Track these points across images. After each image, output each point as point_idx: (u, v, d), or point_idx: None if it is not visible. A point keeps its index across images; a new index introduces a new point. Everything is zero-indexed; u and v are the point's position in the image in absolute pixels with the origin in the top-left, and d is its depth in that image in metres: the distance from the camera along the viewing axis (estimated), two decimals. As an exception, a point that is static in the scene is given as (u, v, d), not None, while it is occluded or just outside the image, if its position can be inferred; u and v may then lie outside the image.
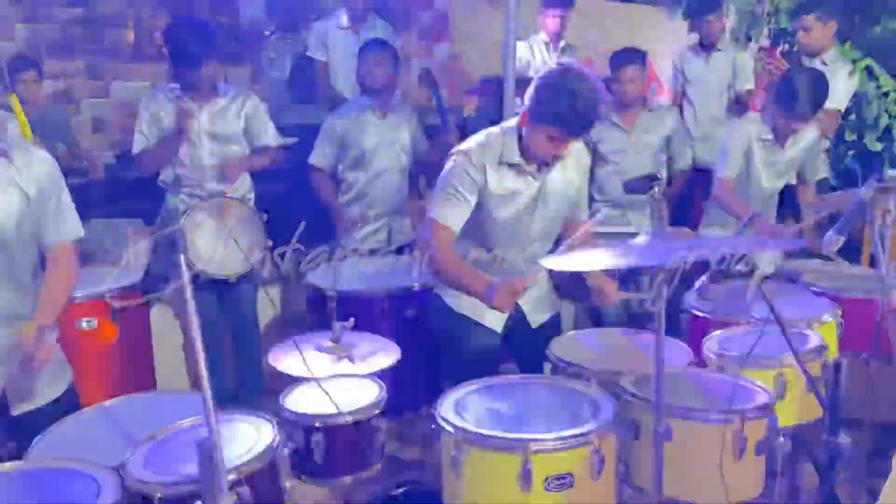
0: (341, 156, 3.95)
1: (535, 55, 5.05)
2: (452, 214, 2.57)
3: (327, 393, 2.10)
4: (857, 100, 4.51)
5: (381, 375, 2.41)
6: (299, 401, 2.25)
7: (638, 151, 4.10)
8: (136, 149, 3.66)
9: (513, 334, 2.78)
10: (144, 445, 1.93)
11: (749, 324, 2.72)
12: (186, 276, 1.47)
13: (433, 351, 3.10)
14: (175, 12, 5.28)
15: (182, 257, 1.54)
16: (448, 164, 2.62)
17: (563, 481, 1.94)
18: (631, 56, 4.05)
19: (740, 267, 2.89)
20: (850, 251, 3.72)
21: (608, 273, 2.72)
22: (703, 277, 2.74)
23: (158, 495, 1.75)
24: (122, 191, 4.57)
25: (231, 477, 1.72)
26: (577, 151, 2.68)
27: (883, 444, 3.07)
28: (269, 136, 3.79)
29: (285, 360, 2.47)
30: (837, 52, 4.31)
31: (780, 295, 2.44)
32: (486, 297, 2.47)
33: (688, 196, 4.38)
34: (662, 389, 1.93)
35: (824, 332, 2.69)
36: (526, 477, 1.90)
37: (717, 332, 2.69)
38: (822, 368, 2.46)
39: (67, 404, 2.33)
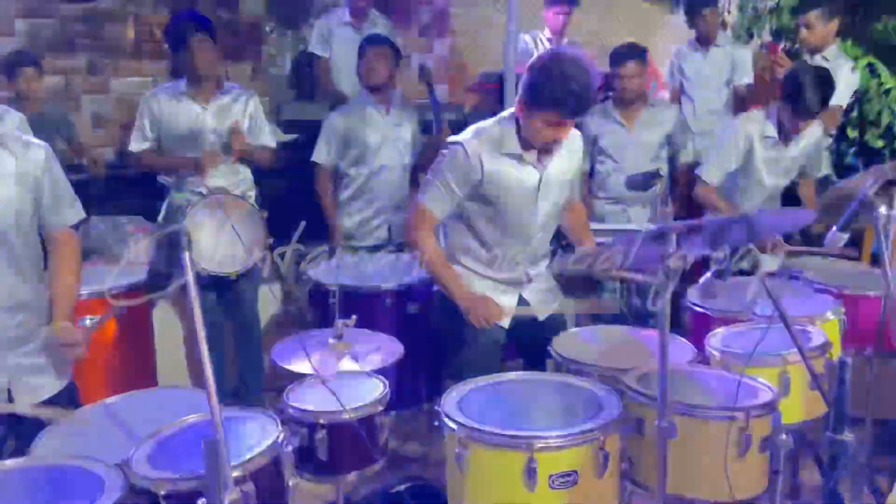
0: (343, 152, 3.94)
1: (539, 48, 5.04)
2: (438, 202, 2.64)
3: (332, 390, 2.10)
4: (859, 97, 4.50)
5: (382, 371, 2.42)
6: (303, 398, 2.25)
7: (639, 147, 4.09)
8: (134, 147, 3.66)
9: (518, 327, 2.79)
10: (148, 442, 1.93)
11: (752, 321, 2.72)
12: (191, 274, 1.47)
13: (435, 347, 3.10)
14: (175, 8, 5.27)
15: (187, 255, 1.54)
16: (441, 154, 2.65)
17: (567, 479, 1.94)
18: (632, 52, 4.04)
19: (743, 264, 2.88)
20: (851, 248, 3.71)
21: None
22: (707, 274, 2.73)
23: (163, 492, 1.75)
24: (123, 187, 4.57)
25: (236, 474, 1.72)
26: (571, 138, 2.71)
27: (885, 441, 3.08)
28: (267, 136, 3.81)
29: (288, 357, 2.46)
30: (839, 48, 4.30)
31: (782, 292, 2.44)
32: (464, 299, 2.59)
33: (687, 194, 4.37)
34: (666, 386, 1.93)
35: (827, 329, 2.69)
36: (530, 474, 1.90)
37: (720, 329, 2.68)
38: (825, 366, 2.46)
39: (68, 398, 2.34)
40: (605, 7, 6.43)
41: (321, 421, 2.15)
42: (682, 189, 4.24)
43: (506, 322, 2.74)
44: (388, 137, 3.93)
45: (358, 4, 4.99)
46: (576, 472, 1.94)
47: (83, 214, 2.42)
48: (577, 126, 2.81)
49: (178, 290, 1.69)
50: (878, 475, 2.19)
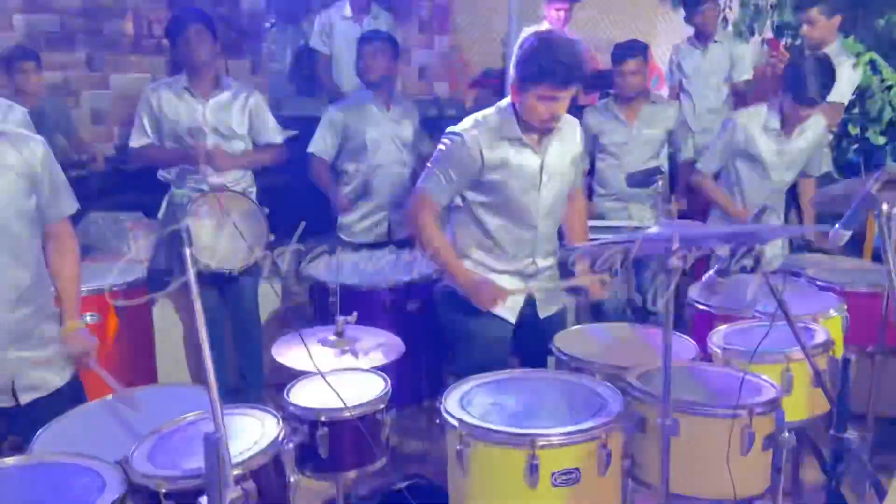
0: (342, 146, 3.92)
1: None
2: (438, 190, 2.68)
3: (333, 388, 2.09)
4: (861, 93, 4.48)
5: (383, 368, 2.41)
6: (304, 395, 2.24)
7: (640, 144, 4.08)
8: (133, 142, 3.65)
9: (521, 325, 2.79)
10: (149, 439, 1.92)
11: (754, 318, 2.71)
12: (192, 272, 1.46)
13: (436, 343, 3.09)
14: (174, 3, 5.26)
15: (188, 252, 1.52)
16: (441, 144, 2.69)
17: (569, 476, 1.93)
18: (633, 49, 4.03)
19: (746, 261, 2.87)
20: (852, 245, 3.71)
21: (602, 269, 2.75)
22: (710, 271, 2.73)
23: (163, 490, 1.74)
24: (122, 183, 4.56)
25: (236, 472, 1.71)
26: (570, 124, 2.76)
27: (888, 439, 3.08)
28: (272, 132, 3.79)
29: (288, 354, 2.46)
30: (841, 45, 4.29)
31: (784, 289, 2.43)
32: (468, 284, 2.62)
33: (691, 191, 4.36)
34: (669, 384, 1.92)
35: (830, 326, 2.68)
36: (533, 472, 1.90)
37: (723, 327, 2.68)
38: (828, 363, 2.46)
39: (73, 394, 2.34)
40: (606, 4, 6.42)
41: (322, 418, 2.14)
42: (682, 186, 4.23)
43: (512, 317, 2.75)
44: (387, 134, 3.92)
45: (360, -1, 4.97)
46: (578, 469, 1.94)
47: (78, 205, 2.46)
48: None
49: (178, 287, 1.67)
50: (881, 473, 2.18)
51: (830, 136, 4.19)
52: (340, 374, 2.34)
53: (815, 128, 3.62)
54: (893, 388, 3.06)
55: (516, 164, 2.64)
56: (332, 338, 2.56)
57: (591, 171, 4.19)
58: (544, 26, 5.16)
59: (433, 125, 4.28)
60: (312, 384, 2.29)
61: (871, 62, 4.54)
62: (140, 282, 3.24)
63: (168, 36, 3.66)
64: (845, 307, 2.84)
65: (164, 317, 3.68)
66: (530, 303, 2.77)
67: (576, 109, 3.00)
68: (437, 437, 2.18)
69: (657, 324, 3.03)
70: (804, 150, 3.65)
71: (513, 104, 2.62)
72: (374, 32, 4.11)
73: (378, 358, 2.49)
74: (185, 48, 3.52)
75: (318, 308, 3.30)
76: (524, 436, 1.92)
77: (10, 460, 1.86)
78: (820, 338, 2.53)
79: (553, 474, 1.92)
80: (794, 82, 3.39)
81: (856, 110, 4.57)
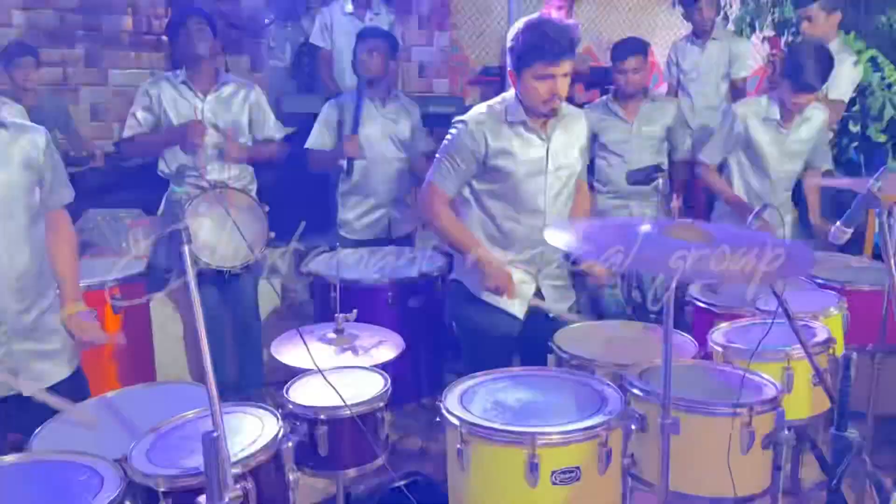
0: (338, 143, 3.91)
1: None
2: (448, 180, 2.73)
3: (333, 386, 2.08)
4: (861, 91, 4.47)
5: (383, 366, 2.41)
6: (304, 393, 2.23)
7: (640, 142, 4.07)
8: (127, 133, 3.64)
9: (529, 322, 2.79)
10: (147, 437, 1.91)
11: (755, 316, 2.71)
12: (192, 271, 1.45)
13: (436, 341, 3.09)
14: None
15: (187, 249, 1.52)
16: (448, 133, 2.74)
17: (569, 475, 1.92)
18: (633, 47, 4.02)
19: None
20: (853, 242, 3.70)
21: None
22: (712, 270, 2.71)
23: (162, 489, 1.73)
24: (122, 180, 4.55)
25: (236, 470, 1.71)
26: (575, 115, 2.82)
27: (888, 438, 3.08)
28: (272, 128, 3.79)
29: (288, 352, 2.45)
30: (841, 42, 4.28)
31: (785, 287, 2.42)
32: (486, 263, 2.65)
33: (690, 189, 4.36)
34: (670, 382, 1.91)
35: (830, 324, 2.67)
36: (532, 470, 1.89)
37: (723, 325, 2.67)
38: (829, 361, 2.45)
39: (75, 387, 2.35)
40: (606, 1, 6.41)
41: (322, 416, 2.14)
42: (681, 184, 4.23)
43: (521, 313, 2.76)
44: (384, 131, 3.90)
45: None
46: (578, 468, 1.93)
47: (73, 193, 2.51)
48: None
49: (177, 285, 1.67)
50: (881, 472, 2.17)
51: (832, 134, 4.18)
52: (340, 371, 2.33)
53: (815, 119, 3.62)
54: (894, 386, 3.05)
55: (520, 150, 2.68)
56: (332, 335, 2.55)
57: (591, 169, 4.18)
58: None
59: (433, 122, 4.27)
60: (312, 382, 2.28)
61: (872, 59, 4.53)
62: (140, 278, 3.23)
63: (168, 30, 3.67)
64: (846, 305, 2.84)
65: (163, 314, 3.67)
66: (540, 299, 2.79)
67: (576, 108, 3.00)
68: (437, 435, 2.18)
69: (657, 322, 3.03)
70: (805, 142, 3.65)
71: (516, 94, 2.68)
72: (371, 30, 4.11)
73: (378, 355, 2.48)
74: (184, 42, 3.52)
75: (318, 305, 3.29)
76: (524, 434, 1.91)
77: (9, 458, 1.86)
78: (820, 336, 2.52)
79: (553, 473, 1.91)
80: (793, 69, 3.40)
81: (856, 108, 4.56)
